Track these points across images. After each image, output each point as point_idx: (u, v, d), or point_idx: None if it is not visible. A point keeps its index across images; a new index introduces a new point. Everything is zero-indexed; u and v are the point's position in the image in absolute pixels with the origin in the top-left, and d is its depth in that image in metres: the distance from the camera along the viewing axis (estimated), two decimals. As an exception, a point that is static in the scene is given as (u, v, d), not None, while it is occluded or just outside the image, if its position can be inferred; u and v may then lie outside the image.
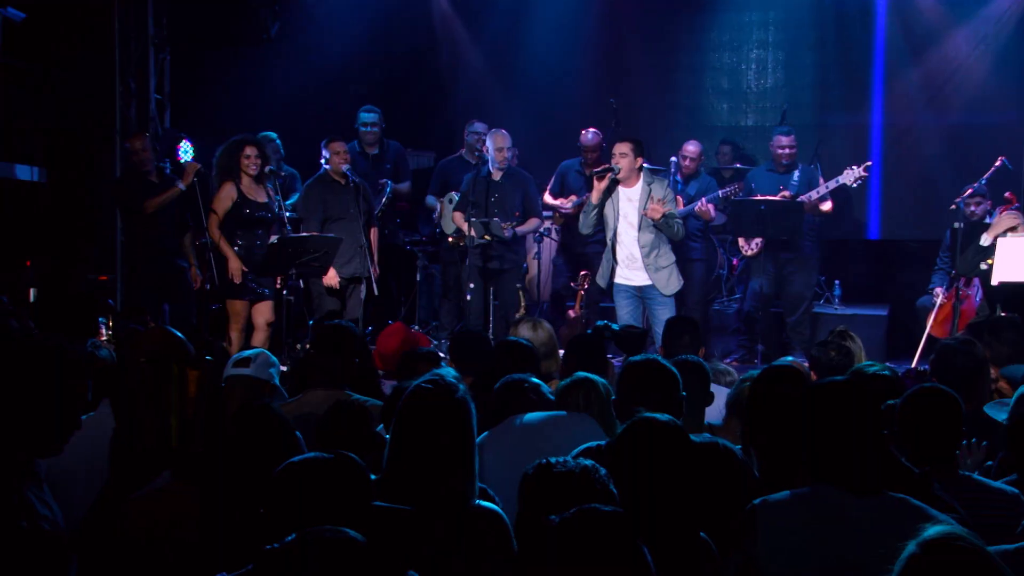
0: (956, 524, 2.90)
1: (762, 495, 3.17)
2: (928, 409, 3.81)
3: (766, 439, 3.89)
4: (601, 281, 8.40)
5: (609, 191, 8.13)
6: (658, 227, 8.07)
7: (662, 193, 8.12)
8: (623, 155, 8.07)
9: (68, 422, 2.98)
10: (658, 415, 3.25)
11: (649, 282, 8.16)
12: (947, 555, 2.19)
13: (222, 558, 2.77)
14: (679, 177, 9.94)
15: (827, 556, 2.90)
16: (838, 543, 2.91)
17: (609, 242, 8.23)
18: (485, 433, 4.18)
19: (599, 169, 8.10)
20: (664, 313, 8.00)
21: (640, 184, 8.14)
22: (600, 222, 8.25)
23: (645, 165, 8.28)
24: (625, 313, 8.20)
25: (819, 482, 3.04)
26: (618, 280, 8.26)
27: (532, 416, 4.26)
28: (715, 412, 5.07)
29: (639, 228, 8.12)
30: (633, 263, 8.20)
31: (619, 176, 8.08)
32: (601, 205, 8.12)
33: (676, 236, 8.22)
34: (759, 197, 9.26)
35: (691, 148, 10.00)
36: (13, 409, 2.90)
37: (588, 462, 3.08)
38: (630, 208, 8.15)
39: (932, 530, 2.24)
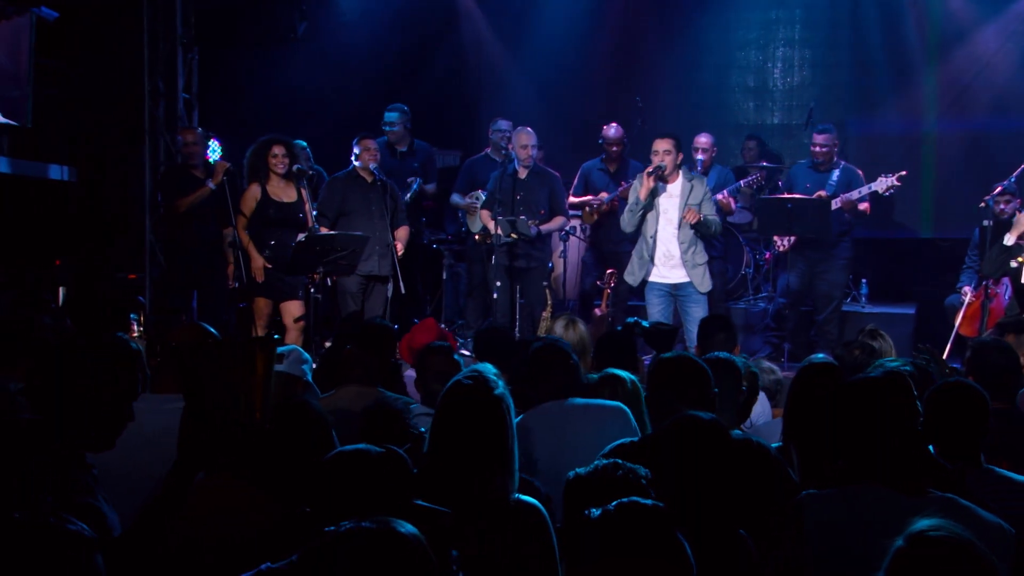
0: (992, 515, 2.92)
1: (798, 492, 3.17)
2: (953, 404, 3.78)
3: (805, 436, 3.90)
4: (632, 279, 8.36)
5: (655, 189, 8.12)
6: (695, 227, 8.07)
7: (703, 191, 8.12)
8: (667, 152, 8.08)
9: (121, 416, 2.99)
10: (701, 413, 3.26)
11: (686, 279, 8.14)
12: (933, 548, 2.18)
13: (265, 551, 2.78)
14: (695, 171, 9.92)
15: (872, 555, 2.88)
16: (884, 542, 2.89)
17: (649, 240, 8.20)
18: (531, 410, 4.24)
19: (651, 169, 8.08)
20: (697, 311, 8.00)
21: (681, 180, 8.15)
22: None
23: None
24: (656, 312, 8.19)
25: (864, 480, 3.02)
26: (652, 278, 8.24)
27: (577, 401, 4.31)
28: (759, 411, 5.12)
29: (679, 225, 8.11)
30: (669, 260, 8.18)
31: (665, 173, 8.08)
32: (649, 204, 8.11)
33: (714, 234, 8.28)
34: (786, 195, 9.24)
35: (703, 140, 9.92)
36: (68, 403, 2.91)
37: (628, 467, 3.11)
38: (670, 204, 8.15)
39: (920, 523, 2.22)
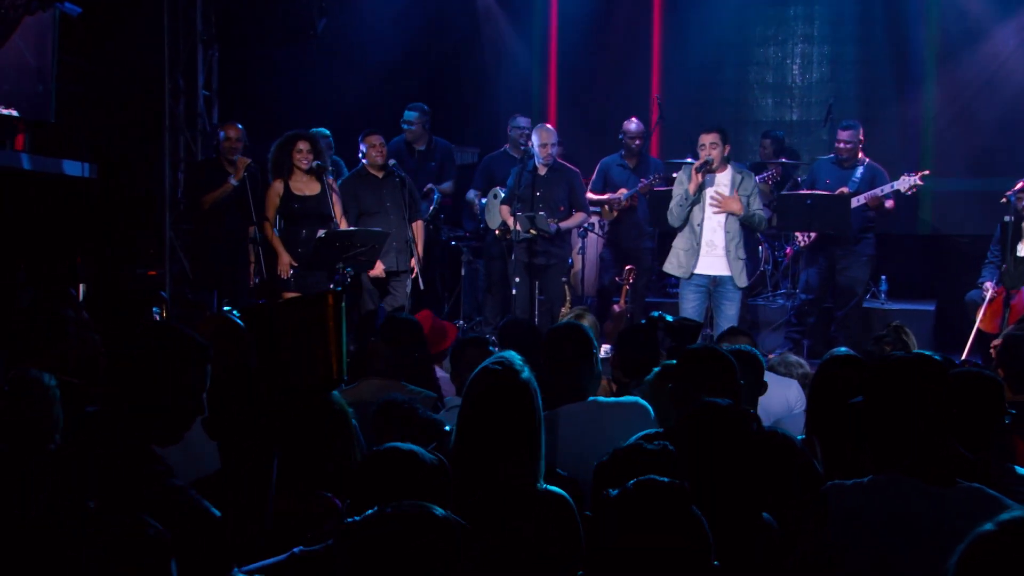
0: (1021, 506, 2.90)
1: (823, 484, 3.16)
2: (965, 392, 3.74)
3: (828, 429, 3.90)
4: (681, 271, 8.25)
5: (703, 184, 8.12)
6: (741, 219, 8.07)
7: (752, 185, 8.13)
8: (713, 145, 8.06)
9: (193, 409, 2.95)
10: (719, 399, 3.26)
11: (726, 272, 8.11)
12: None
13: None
14: None
15: (900, 544, 2.87)
16: (912, 531, 2.87)
17: (696, 228, 8.18)
18: (555, 410, 4.26)
19: (699, 164, 8.06)
20: (731, 309, 7.99)
21: (730, 172, 8.14)
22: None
23: (690, 160, 8.28)
24: (690, 307, 8.12)
25: (890, 470, 2.98)
26: (696, 270, 8.21)
27: (600, 399, 4.37)
28: (783, 405, 5.11)
29: (727, 215, 8.10)
30: (713, 250, 8.15)
31: (713, 166, 8.08)
32: (697, 197, 8.10)
33: (759, 227, 8.34)
34: (807, 191, 9.23)
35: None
36: (141, 395, 2.88)
37: (651, 447, 3.11)
38: (720, 195, 8.15)
39: (1012, 513, 2.11)
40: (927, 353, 3.16)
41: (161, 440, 2.94)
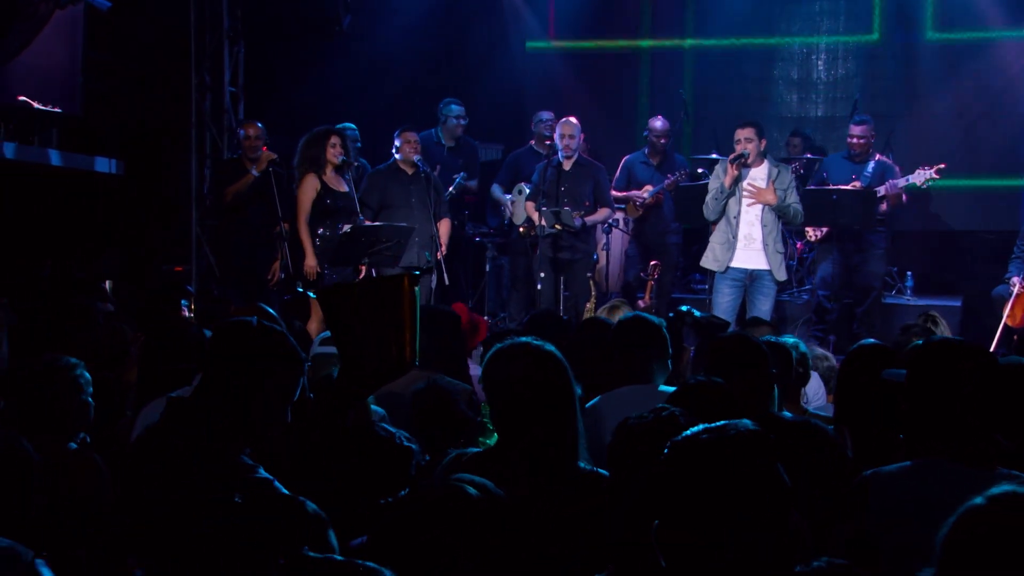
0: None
1: (857, 473, 3.14)
2: (1008, 381, 3.71)
3: (857, 419, 3.89)
4: (717, 265, 8.25)
5: (739, 177, 8.11)
6: (777, 211, 8.05)
7: (789, 178, 8.12)
8: (748, 140, 8.06)
9: (279, 414, 2.87)
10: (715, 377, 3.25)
11: (765, 266, 8.10)
12: (1015, 511, 1.95)
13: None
14: None
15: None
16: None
17: (732, 220, 8.16)
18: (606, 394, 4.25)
19: (734, 157, 8.06)
20: (766, 304, 7.98)
21: (766, 166, 8.14)
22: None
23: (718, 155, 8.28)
24: (725, 301, 8.11)
25: (930, 455, 2.95)
26: (733, 263, 8.20)
27: (664, 387, 4.34)
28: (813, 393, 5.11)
29: (764, 208, 8.09)
30: (751, 243, 8.13)
31: (748, 160, 8.07)
32: (732, 190, 8.10)
33: (794, 221, 8.33)
34: (831, 187, 9.21)
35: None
36: (238, 398, 2.82)
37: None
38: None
39: (1001, 487, 2.02)
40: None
41: (247, 442, 2.86)
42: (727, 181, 8.04)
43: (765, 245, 8.08)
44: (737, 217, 8.11)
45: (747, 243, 8.13)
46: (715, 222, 8.27)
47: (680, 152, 10.80)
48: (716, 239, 8.26)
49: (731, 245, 8.15)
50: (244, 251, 9.09)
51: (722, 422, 2.10)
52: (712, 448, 2.04)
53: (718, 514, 1.99)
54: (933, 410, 2.98)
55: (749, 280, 8.15)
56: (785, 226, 8.46)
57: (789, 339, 4.94)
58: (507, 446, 3.07)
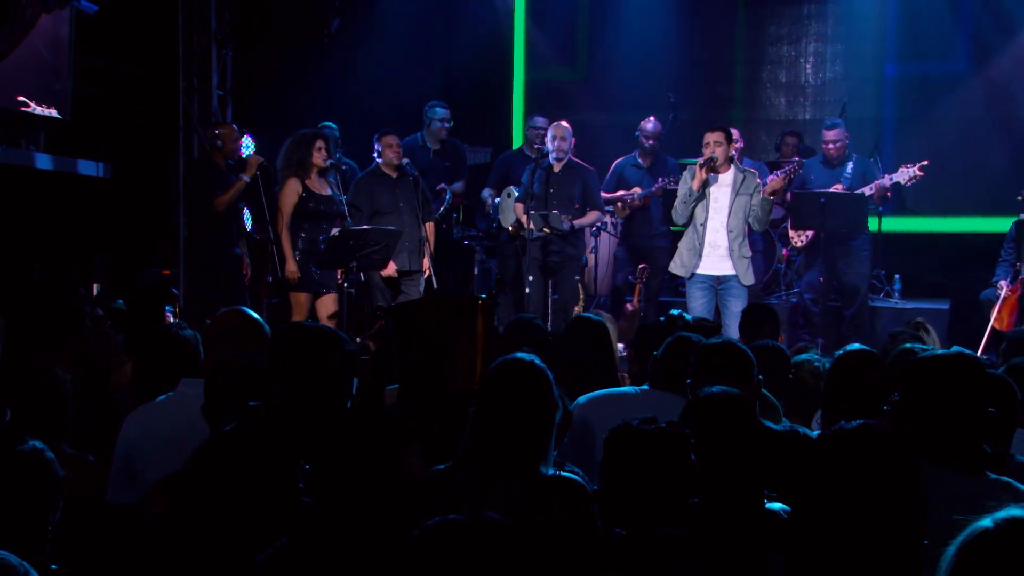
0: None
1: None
2: (996, 391, 3.72)
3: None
4: (683, 271, 8.25)
5: (706, 182, 8.13)
6: (753, 211, 8.07)
7: (755, 183, 8.13)
8: (717, 143, 8.05)
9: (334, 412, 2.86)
10: (725, 388, 3.26)
11: (731, 272, 8.10)
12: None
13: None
14: None
15: (935, 535, 2.85)
16: (947, 522, 2.85)
17: (699, 228, 8.18)
18: (592, 394, 4.26)
19: (703, 160, 8.07)
20: (738, 306, 7.96)
21: (732, 171, 8.13)
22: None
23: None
24: (699, 305, 8.11)
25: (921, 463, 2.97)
26: (698, 270, 8.21)
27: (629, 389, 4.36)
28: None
29: (729, 214, 8.10)
30: (716, 250, 8.13)
31: (716, 164, 8.08)
32: (701, 194, 8.11)
33: (764, 223, 8.33)
34: (820, 190, 9.23)
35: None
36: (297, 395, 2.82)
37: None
38: (721, 194, 8.11)
39: (1010, 511, 1.96)
40: (966, 352, 3.17)
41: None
42: (695, 184, 8.06)
43: (731, 251, 8.09)
44: (704, 224, 8.13)
45: (712, 250, 8.14)
46: (684, 226, 8.29)
47: (670, 154, 10.79)
48: (683, 244, 8.30)
49: (697, 251, 8.17)
50: (229, 254, 9.02)
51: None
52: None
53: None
54: (926, 421, 3.02)
55: (717, 283, 8.17)
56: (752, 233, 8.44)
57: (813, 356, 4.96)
58: (479, 456, 3.10)
